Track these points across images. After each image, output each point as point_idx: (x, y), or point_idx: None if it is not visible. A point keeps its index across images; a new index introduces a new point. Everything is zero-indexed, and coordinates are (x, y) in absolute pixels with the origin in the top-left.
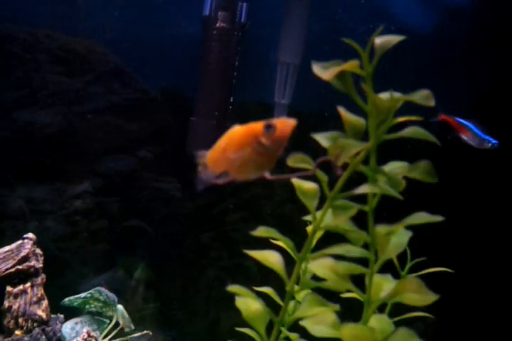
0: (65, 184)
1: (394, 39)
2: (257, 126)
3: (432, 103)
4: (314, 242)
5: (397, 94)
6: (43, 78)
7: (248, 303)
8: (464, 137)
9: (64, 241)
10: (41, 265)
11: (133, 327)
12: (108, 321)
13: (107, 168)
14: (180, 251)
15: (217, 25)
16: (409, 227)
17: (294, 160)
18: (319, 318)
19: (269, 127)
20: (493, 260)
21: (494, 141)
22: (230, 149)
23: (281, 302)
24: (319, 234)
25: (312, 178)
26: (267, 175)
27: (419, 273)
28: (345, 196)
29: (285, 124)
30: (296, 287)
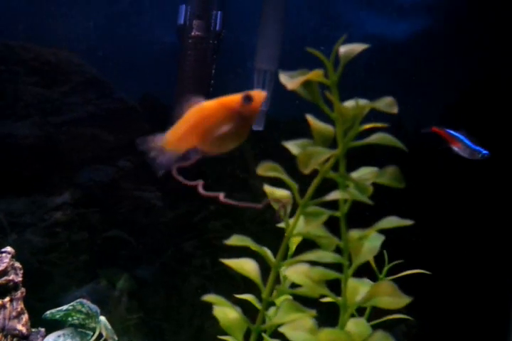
0: (44, 196)
1: (358, 48)
2: (234, 98)
3: (395, 110)
4: (294, 248)
5: (362, 102)
6: (19, 90)
7: (225, 312)
8: (455, 148)
9: (44, 253)
10: (20, 278)
11: (116, 339)
12: (91, 333)
13: (86, 178)
14: (163, 260)
15: (192, 33)
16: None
17: (264, 169)
18: (297, 324)
19: (247, 98)
20: (473, 262)
21: (485, 152)
22: (203, 124)
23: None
24: (297, 240)
25: (284, 185)
26: (221, 198)
27: (395, 276)
28: (316, 202)
29: (259, 95)
30: (275, 293)
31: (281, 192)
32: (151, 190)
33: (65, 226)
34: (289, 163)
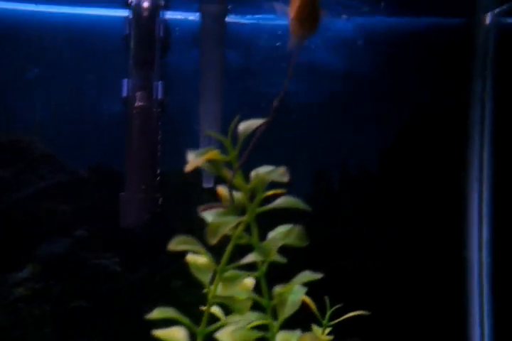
0: (3, 273)
1: (255, 123)
2: None
3: (286, 179)
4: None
5: (262, 171)
6: None
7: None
8: None
9: (8, 330)
10: None
11: None
12: None
13: (45, 251)
14: (128, 326)
15: (136, 104)
16: None
17: (176, 243)
18: None
19: None
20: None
21: None
22: None
23: None
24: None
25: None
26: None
27: (337, 320)
28: (233, 267)
29: None
30: None
31: (202, 260)
32: (109, 257)
33: (27, 301)
34: None
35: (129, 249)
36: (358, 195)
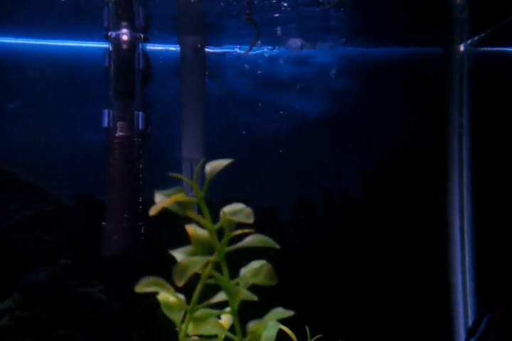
0: None
1: (222, 163)
2: None
3: (251, 220)
4: None
5: (228, 211)
6: None
7: None
8: None
9: None
10: None
11: None
12: None
13: (29, 281)
14: None
15: (117, 134)
16: None
17: (144, 285)
18: None
19: None
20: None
21: None
22: None
23: None
24: None
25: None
26: None
27: None
28: (203, 306)
29: None
30: None
31: (173, 299)
32: (94, 285)
33: (10, 331)
34: None
35: (114, 276)
36: (341, 220)
